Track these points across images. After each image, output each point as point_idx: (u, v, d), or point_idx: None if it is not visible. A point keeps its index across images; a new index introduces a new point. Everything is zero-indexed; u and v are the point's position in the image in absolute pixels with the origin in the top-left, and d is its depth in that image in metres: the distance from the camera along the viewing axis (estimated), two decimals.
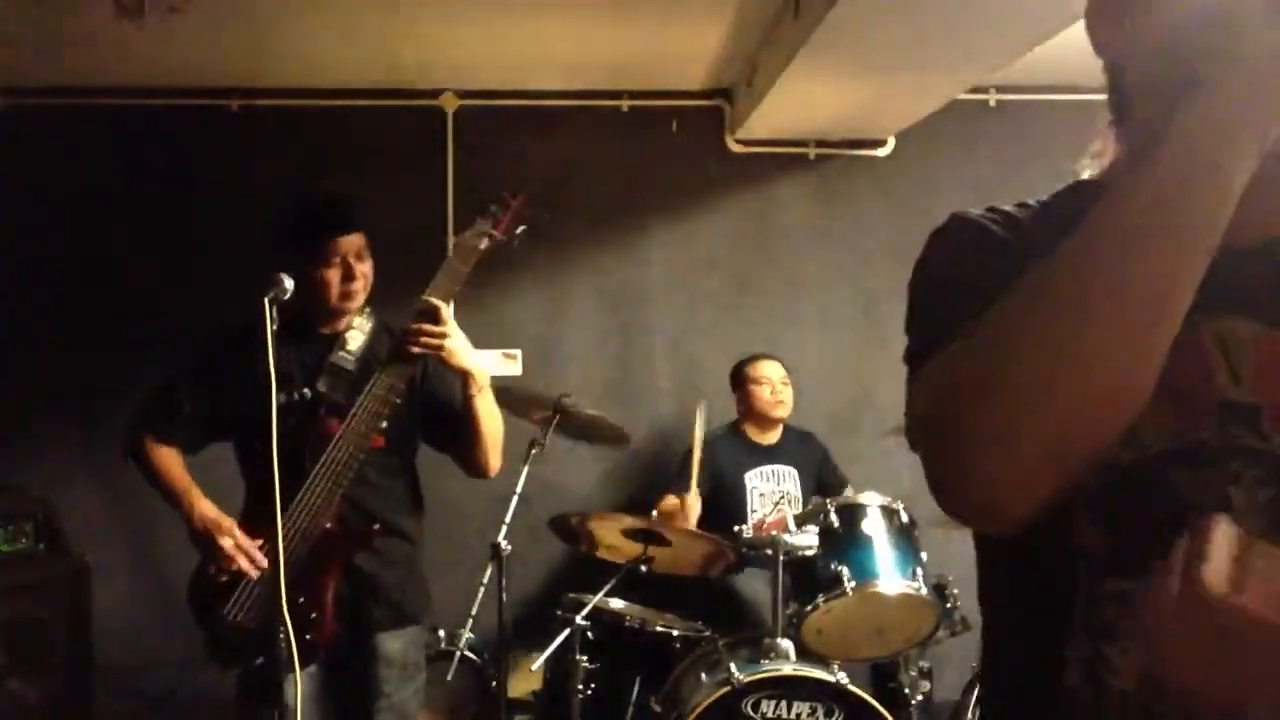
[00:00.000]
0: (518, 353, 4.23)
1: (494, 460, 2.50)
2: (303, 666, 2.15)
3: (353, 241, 2.42)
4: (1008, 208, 0.95)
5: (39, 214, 4.13)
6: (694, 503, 3.56)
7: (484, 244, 2.41)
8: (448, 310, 2.34)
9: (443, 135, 4.23)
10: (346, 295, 2.43)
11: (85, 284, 4.16)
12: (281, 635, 2.02)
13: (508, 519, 3.00)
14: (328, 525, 2.30)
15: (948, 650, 3.42)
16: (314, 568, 2.29)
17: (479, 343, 2.50)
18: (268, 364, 2.00)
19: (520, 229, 2.48)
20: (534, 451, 3.07)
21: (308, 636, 2.27)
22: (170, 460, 2.49)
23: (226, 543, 2.33)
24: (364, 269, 2.44)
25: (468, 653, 3.30)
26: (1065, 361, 0.72)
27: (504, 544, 3.00)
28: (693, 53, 3.85)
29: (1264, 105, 0.69)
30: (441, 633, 3.34)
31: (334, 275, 2.40)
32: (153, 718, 3.94)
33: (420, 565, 2.57)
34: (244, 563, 2.32)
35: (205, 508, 2.40)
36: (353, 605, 2.39)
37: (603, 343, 4.33)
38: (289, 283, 2.11)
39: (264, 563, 2.32)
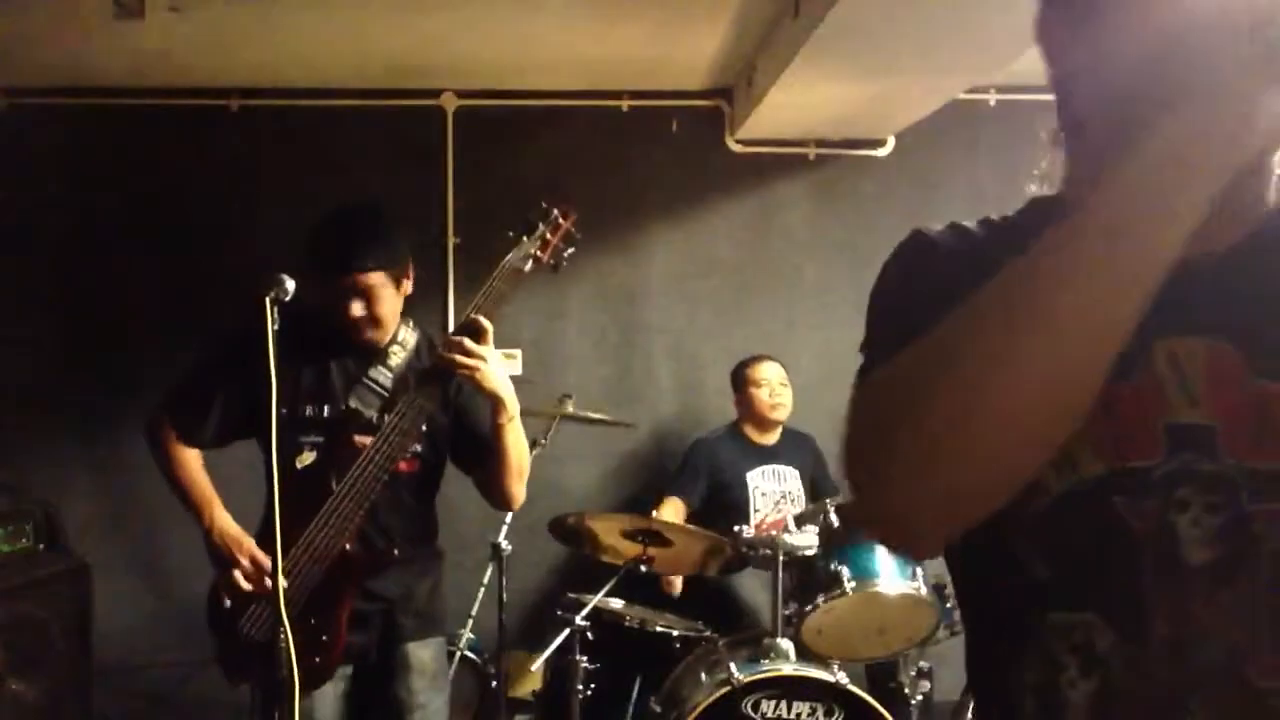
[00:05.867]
0: (518, 353, 4.23)
1: (518, 491, 2.40)
2: (313, 688, 2.12)
3: (363, 280, 2.25)
4: (970, 224, 0.93)
5: (39, 214, 4.13)
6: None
7: (529, 267, 2.27)
8: (490, 334, 2.22)
9: (443, 135, 4.23)
10: (353, 329, 2.30)
11: (85, 284, 4.16)
12: (283, 646, 1.97)
13: (508, 519, 3.01)
14: (346, 546, 2.23)
15: (948, 650, 3.41)
16: (329, 589, 2.22)
17: None
18: (268, 366, 1.97)
19: (569, 251, 2.32)
20: (534, 451, 3.08)
21: (317, 659, 2.20)
22: (192, 464, 2.40)
23: (245, 563, 2.26)
24: (379, 311, 2.28)
25: (468, 653, 3.31)
26: (993, 381, 0.68)
27: (504, 544, 3.02)
28: (693, 53, 3.85)
29: (1225, 144, 0.65)
30: None
31: (343, 305, 2.27)
32: (153, 718, 3.94)
33: (444, 579, 2.53)
34: (262, 583, 2.24)
35: (225, 524, 2.32)
36: (384, 616, 2.36)
37: (603, 343, 4.33)
38: (290, 283, 2.06)
39: (283, 582, 2.25)
